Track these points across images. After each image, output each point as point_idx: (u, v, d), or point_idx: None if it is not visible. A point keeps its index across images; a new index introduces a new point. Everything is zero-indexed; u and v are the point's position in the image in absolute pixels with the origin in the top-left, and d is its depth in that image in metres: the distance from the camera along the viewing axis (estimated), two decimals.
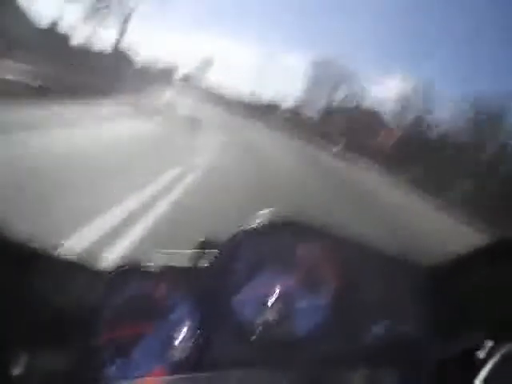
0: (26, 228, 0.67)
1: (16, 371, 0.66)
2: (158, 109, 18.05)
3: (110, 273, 0.79)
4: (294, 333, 0.81)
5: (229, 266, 0.82)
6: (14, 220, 0.72)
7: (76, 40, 27.14)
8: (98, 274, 0.79)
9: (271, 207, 0.85)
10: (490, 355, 0.65)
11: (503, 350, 0.64)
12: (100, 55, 27.46)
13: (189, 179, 6.26)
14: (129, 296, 0.78)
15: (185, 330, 0.78)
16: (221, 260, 0.81)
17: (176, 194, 5.27)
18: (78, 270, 0.78)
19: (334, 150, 34.52)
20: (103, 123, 9.83)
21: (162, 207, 4.54)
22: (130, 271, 0.80)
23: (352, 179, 17.86)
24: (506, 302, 0.76)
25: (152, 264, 0.80)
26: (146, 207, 4.35)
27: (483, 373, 0.61)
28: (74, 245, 3.02)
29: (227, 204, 5.24)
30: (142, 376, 0.74)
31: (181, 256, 0.83)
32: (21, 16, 23.50)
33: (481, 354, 0.69)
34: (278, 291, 0.82)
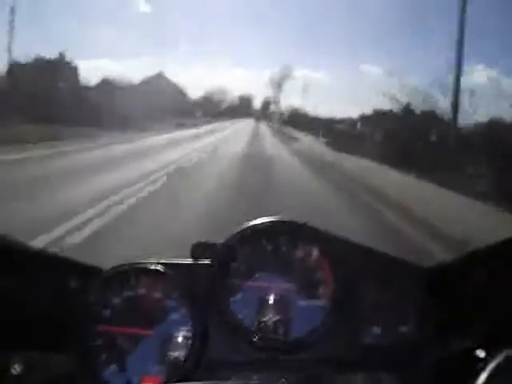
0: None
1: (15, 373, 0.68)
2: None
3: (108, 273, 0.81)
4: (292, 334, 0.81)
5: (227, 267, 0.83)
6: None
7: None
8: (95, 274, 0.82)
9: None
10: (490, 358, 0.62)
11: (503, 353, 0.61)
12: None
13: None
14: (127, 296, 0.80)
15: (183, 330, 0.79)
16: (219, 261, 0.83)
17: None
18: (75, 269, 0.82)
19: None
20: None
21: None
22: (128, 271, 0.81)
23: None
24: (505, 303, 0.72)
25: (150, 264, 0.82)
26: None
27: (483, 376, 0.59)
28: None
29: None
30: (141, 380, 0.75)
31: (180, 258, 0.86)
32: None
33: (481, 356, 0.67)
34: (275, 293, 0.83)
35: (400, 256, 0.86)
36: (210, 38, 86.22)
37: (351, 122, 33.00)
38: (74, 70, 25.08)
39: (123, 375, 0.76)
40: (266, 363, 0.79)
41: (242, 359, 0.80)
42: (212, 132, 25.42)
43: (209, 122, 36.16)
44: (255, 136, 25.51)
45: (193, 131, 24.71)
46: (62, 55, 24.67)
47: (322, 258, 0.84)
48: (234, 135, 24.92)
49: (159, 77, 35.90)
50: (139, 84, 30.99)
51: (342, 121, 33.95)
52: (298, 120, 39.69)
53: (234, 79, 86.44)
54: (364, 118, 31.74)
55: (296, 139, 25.91)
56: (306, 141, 25.04)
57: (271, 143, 20.51)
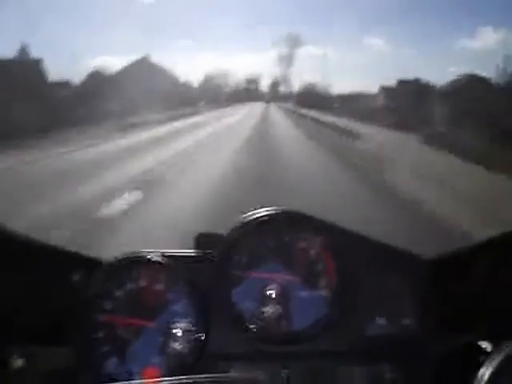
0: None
1: (17, 366, 0.68)
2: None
3: (109, 265, 0.80)
4: (294, 325, 0.81)
5: (229, 259, 0.82)
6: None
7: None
8: (96, 265, 0.81)
9: None
10: (495, 350, 0.62)
11: (506, 348, 0.60)
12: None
13: None
14: (128, 289, 0.80)
15: (185, 322, 0.78)
16: (222, 252, 0.82)
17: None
18: (76, 260, 0.81)
19: None
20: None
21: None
22: (130, 262, 0.80)
23: None
24: (508, 296, 0.72)
25: (152, 255, 0.80)
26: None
27: (489, 368, 0.59)
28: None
29: None
30: (143, 371, 0.75)
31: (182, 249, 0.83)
32: None
33: (485, 349, 0.67)
34: (277, 284, 0.82)
35: (403, 248, 0.85)
36: (208, 23, 79.46)
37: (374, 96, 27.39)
38: (36, 66, 20.28)
39: (124, 367, 0.76)
40: (268, 355, 0.79)
41: (244, 351, 0.79)
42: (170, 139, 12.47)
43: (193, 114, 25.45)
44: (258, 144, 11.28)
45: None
46: (23, 51, 19.96)
47: (325, 249, 0.83)
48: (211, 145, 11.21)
49: (143, 62, 29.35)
50: (116, 74, 25.28)
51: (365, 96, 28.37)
52: (317, 99, 33.43)
53: (239, 63, 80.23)
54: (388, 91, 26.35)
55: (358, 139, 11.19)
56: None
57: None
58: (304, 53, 58.60)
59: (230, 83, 47.20)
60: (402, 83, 25.55)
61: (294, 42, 40.92)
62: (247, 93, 50.37)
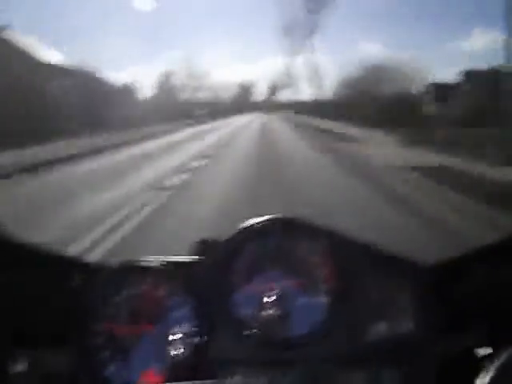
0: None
1: (16, 371, 0.69)
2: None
3: (110, 270, 0.81)
4: (293, 332, 0.81)
5: (228, 265, 0.83)
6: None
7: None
8: (97, 271, 0.82)
9: None
10: (492, 357, 0.61)
11: (506, 353, 0.60)
12: None
13: None
14: (128, 294, 0.80)
15: (185, 328, 0.79)
16: (221, 258, 0.83)
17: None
18: (76, 266, 0.82)
19: None
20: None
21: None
22: (130, 268, 0.81)
23: None
24: (507, 300, 0.73)
25: (153, 261, 0.81)
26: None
27: (486, 376, 0.58)
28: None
29: None
30: (143, 377, 0.76)
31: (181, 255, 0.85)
32: None
33: (482, 356, 0.68)
34: (277, 290, 0.82)
35: (402, 253, 0.85)
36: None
37: None
38: None
39: (124, 373, 0.76)
40: (268, 360, 0.79)
41: (243, 357, 0.80)
42: None
43: None
44: None
45: None
46: None
47: (324, 255, 0.83)
48: None
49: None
50: None
51: None
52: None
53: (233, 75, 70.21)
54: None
55: None
56: None
57: None
58: (302, 59, 50.87)
59: (204, 87, 37.24)
60: None
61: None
62: (234, 102, 42.34)
